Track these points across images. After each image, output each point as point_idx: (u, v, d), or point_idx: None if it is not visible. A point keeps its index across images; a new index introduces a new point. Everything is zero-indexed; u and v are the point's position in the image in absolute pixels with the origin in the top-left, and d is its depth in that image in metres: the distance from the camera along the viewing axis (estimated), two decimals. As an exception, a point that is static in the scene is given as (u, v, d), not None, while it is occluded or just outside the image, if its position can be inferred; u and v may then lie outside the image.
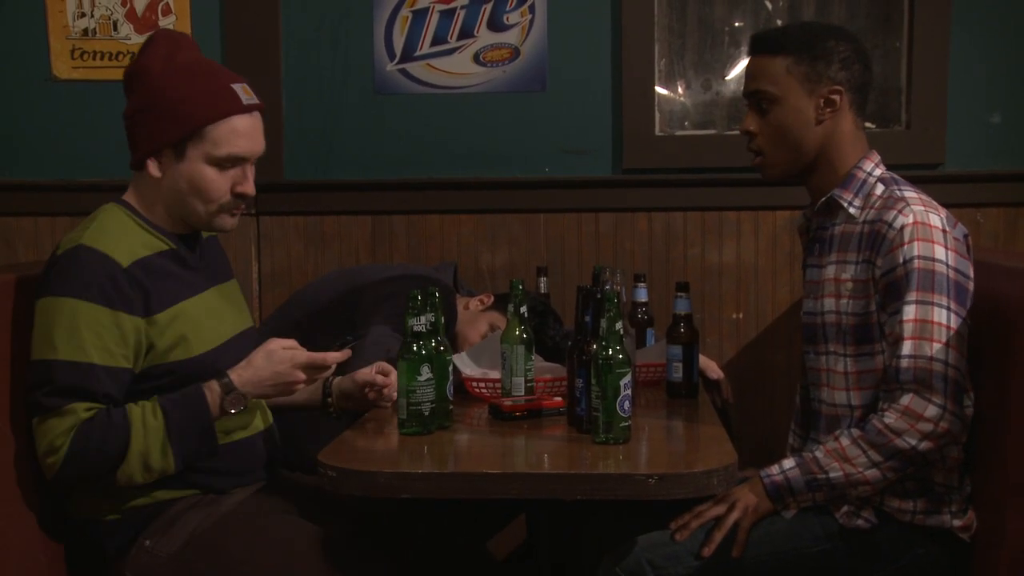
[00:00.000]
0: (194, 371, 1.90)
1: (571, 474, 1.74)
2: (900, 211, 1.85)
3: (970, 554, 1.89)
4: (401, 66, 2.98)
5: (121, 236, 1.89)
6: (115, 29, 2.99)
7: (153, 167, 1.91)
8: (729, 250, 2.97)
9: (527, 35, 2.95)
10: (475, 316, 2.56)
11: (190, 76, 1.91)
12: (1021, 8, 2.90)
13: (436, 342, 1.96)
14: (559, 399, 2.09)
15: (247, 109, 1.93)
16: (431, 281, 2.45)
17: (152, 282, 1.88)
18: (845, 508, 1.87)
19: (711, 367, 2.45)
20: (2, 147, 3.04)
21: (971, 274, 1.86)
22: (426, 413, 1.92)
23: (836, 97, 1.94)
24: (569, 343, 2.03)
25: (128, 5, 2.99)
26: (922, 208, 1.85)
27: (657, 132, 2.98)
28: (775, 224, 2.96)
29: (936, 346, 1.79)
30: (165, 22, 2.98)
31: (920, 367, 1.79)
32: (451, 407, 2.01)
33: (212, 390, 1.87)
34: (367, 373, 2.09)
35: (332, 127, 3.01)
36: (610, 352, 1.82)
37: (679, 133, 3.04)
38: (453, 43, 2.96)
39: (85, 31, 2.99)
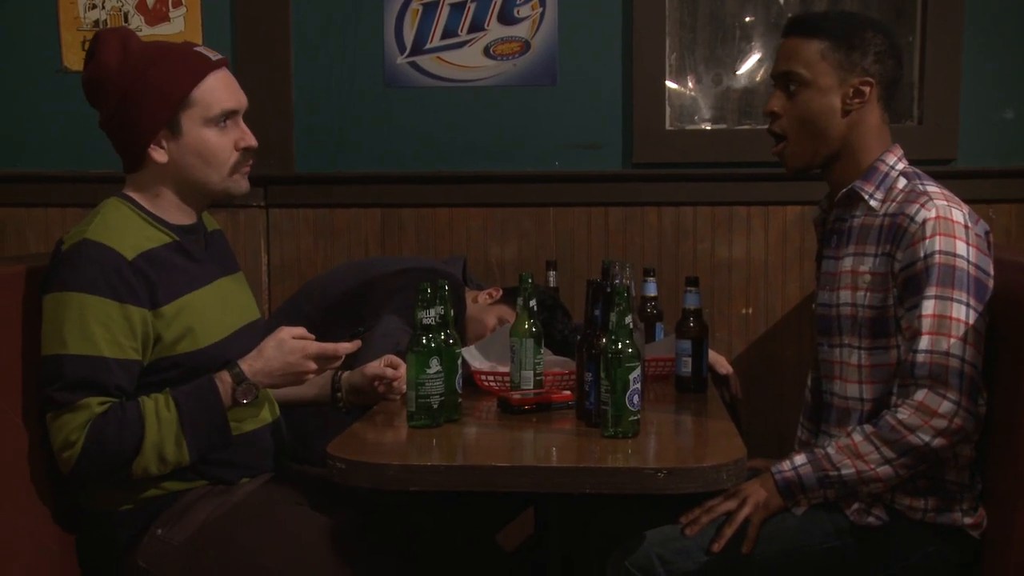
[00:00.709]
0: (201, 363, 1.90)
1: (580, 468, 1.74)
2: (922, 205, 1.83)
3: (981, 552, 1.88)
4: (411, 59, 2.98)
5: (125, 229, 1.89)
6: (126, 21, 2.99)
7: (157, 153, 1.91)
8: (739, 245, 2.97)
9: (538, 28, 2.95)
10: (484, 310, 2.56)
11: (154, 56, 1.91)
12: (1034, 4, 2.89)
13: (445, 335, 1.96)
14: (568, 393, 2.09)
15: (217, 65, 1.94)
16: (441, 274, 2.45)
17: (157, 274, 1.88)
18: (856, 506, 1.87)
19: (720, 362, 2.45)
20: (13, 138, 3.05)
21: (991, 271, 1.85)
22: (435, 406, 1.92)
23: (866, 88, 1.92)
24: (578, 337, 2.03)
25: (139, -3, 2.99)
26: (945, 203, 1.84)
27: (667, 127, 2.97)
28: (785, 219, 2.96)
29: (953, 342, 1.77)
30: (175, 14, 2.99)
31: (936, 362, 1.78)
32: (460, 400, 2.01)
33: (224, 381, 1.88)
34: (376, 366, 2.09)
35: (342, 120, 3.01)
36: (619, 346, 1.82)
37: (689, 128, 3.03)
38: (463, 36, 2.96)
39: (96, 23, 3.00)
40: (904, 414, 1.79)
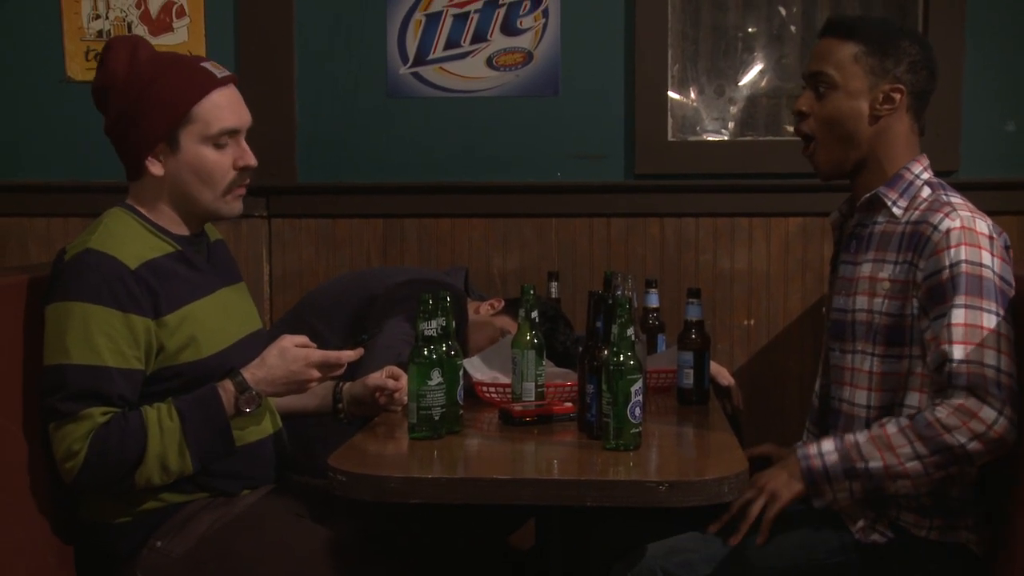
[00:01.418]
0: (204, 373, 1.90)
1: (581, 480, 1.73)
2: (947, 215, 1.82)
3: (984, 570, 1.86)
4: (414, 70, 2.98)
5: (127, 239, 1.89)
6: (129, 31, 3.00)
7: (154, 166, 1.92)
8: (741, 256, 2.96)
9: (540, 39, 2.95)
10: (486, 321, 2.56)
11: (161, 68, 1.91)
12: (1036, 16, 2.89)
13: (447, 346, 1.95)
14: (569, 405, 2.09)
15: (223, 82, 1.94)
16: (442, 285, 2.45)
17: (160, 284, 1.88)
18: (861, 523, 1.85)
19: (722, 374, 2.44)
20: (17, 148, 3.06)
21: (1013, 283, 1.83)
22: (436, 418, 1.92)
23: (896, 95, 1.90)
24: (580, 348, 2.02)
25: (143, 7, 3.00)
26: (969, 214, 1.83)
27: (670, 138, 2.98)
28: (787, 230, 2.95)
29: (988, 352, 1.74)
30: (179, 24, 2.99)
31: (974, 372, 1.74)
32: (461, 412, 2.00)
33: (226, 389, 1.88)
34: (378, 377, 2.09)
35: (345, 130, 3.01)
36: (621, 358, 1.82)
37: (692, 138, 3.04)
38: (466, 47, 2.96)
39: (100, 33, 3.01)
40: (943, 412, 1.75)
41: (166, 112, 1.89)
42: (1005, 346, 1.76)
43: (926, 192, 1.90)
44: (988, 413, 1.73)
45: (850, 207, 2.02)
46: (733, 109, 3.07)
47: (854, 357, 1.93)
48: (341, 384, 2.15)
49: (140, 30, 2.98)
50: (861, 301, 1.91)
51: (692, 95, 3.06)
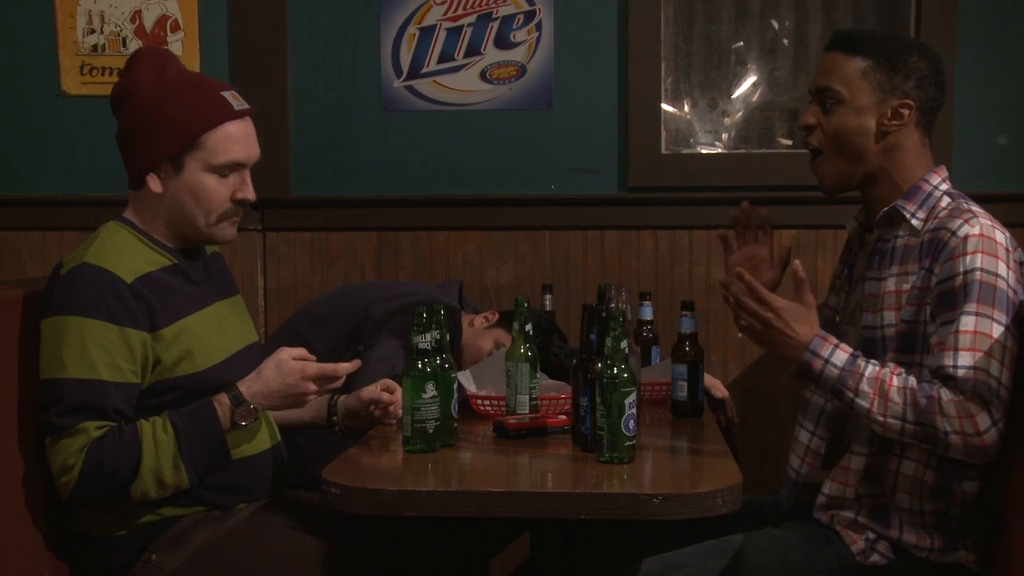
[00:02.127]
0: (200, 386, 1.90)
1: (575, 493, 1.73)
2: (966, 220, 1.79)
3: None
4: (408, 83, 2.99)
5: (124, 253, 1.90)
6: (124, 45, 3.00)
7: (153, 183, 1.92)
8: (734, 268, 2.96)
9: (534, 53, 2.97)
10: (480, 333, 2.56)
11: (182, 89, 1.92)
12: (1027, 29, 2.91)
13: (441, 359, 1.96)
14: (563, 417, 2.09)
15: (239, 115, 1.94)
16: (436, 299, 2.45)
17: (156, 297, 1.88)
18: (862, 544, 1.84)
19: (716, 386, 2.45)
20: (12, 162, 3.06)
21: (1021, 298, 1.80)
22: (430, 431, 1.92)
23: (905, 111, 1.88)
24: (574, 361, 2.03)
25: (137, 22, 3.00)
26: (988, 223, 1.80)
27: (663, 150, 2.99)
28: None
29: (994, 363, 1.73)
30: (173, 38, 3.00)
31: (980, 380, 1.72)
32: (455, 425, 2.00)
33: (222, 403, 1.88)
34: (372, 390, 2.09)
35: (339, 144, 3.02)
36: (615, 371, 1.82)
37: (685, 151, 3.05)
38: (460, 60, 2.98)
39: (94, 47, 3.01)
40: (946, 396, 1.73)
41: (177, 135, 1.89)
42: (1008, 360, 1.75)
43: (945, 202, 1.87)
44: (984, 420, 1.72)
45: (867, 218, 2.00)
46: (726, 122, 3.08)
47: None
48: (336, 397, 2.15)
49: (135, 45, 2.99)
50: (889, 316, 1.86)
51: (685, 108, 3.07)
